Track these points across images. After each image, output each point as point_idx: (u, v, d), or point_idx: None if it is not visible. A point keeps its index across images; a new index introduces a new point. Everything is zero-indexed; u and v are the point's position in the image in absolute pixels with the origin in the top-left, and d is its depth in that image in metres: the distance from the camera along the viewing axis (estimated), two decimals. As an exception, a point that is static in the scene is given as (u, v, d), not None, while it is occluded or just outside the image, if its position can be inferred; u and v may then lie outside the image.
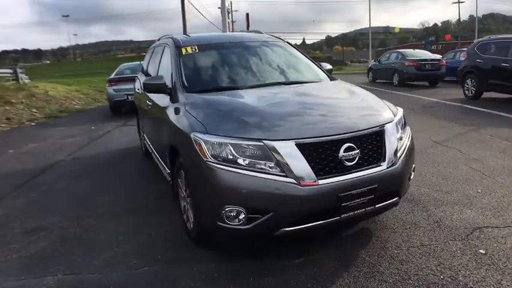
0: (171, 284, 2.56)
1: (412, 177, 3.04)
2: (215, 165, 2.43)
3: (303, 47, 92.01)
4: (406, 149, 2.87)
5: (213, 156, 2.46)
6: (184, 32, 19.93)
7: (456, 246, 2.76)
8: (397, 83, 16.58)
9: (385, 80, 18.19)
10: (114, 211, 3.90)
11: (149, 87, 3.55)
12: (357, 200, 2.49)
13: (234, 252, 2.95)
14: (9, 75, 16.36)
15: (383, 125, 2.76)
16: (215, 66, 3.84)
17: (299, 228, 2.47)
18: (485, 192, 3.77)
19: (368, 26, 40.33)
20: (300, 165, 2.38)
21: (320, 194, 2.40)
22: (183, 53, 3.79)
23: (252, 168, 2.40)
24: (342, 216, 2.49)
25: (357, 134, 2.57)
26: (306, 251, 2.82)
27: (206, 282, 2.54)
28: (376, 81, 19.15)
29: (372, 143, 2.65)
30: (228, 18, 26.42)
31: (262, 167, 2.40)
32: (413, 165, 3.07)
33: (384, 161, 2.62)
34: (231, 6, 41.25)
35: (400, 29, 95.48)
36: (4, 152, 7.21)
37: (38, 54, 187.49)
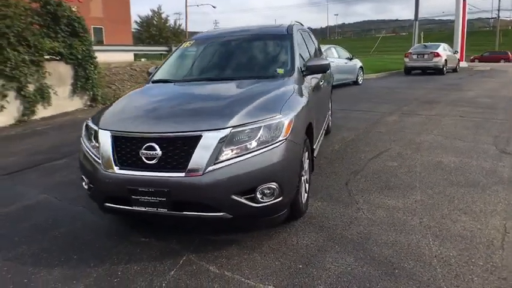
0: None
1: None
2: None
3: None
4: (237, 166, 2.36)
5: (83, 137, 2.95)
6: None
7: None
8: None
9: None
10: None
11: None
12: (146, 197, 2.46)
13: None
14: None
15: (200, 133, 2.40)
16: (200, 59, 4.05)
17: (118, 208, 2.65)
18: None
19: None
20: (107, 152, 2.58)
21: (114, 181, 2.55)
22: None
23: (88, 149, 2.77)
24: (133, 207, 2.53)
25: (162, 136, 2.48)
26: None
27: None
28: None
29: (180, 148, 2.42)
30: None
31: (92, 149, 2.74)
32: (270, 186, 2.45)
33: (185, 168, 2.38)
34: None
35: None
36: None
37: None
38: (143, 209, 2.51)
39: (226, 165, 2.36)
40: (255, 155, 2.40)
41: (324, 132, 4.70)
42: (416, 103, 8.80)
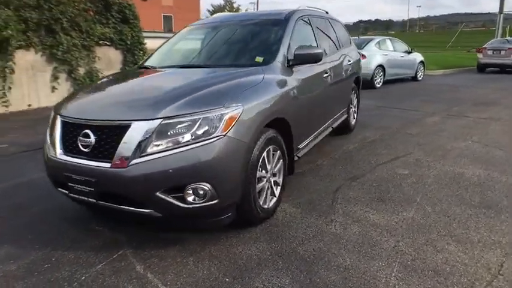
0: None
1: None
2: None
3: None
4: (164, 160, 2.12)
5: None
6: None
7: None
8: None
9: None
10: None
11: None
12: (78, 186, 2.33)
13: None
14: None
15: (128, 122, 2.19)
16: (189, 45, 3.88)
17: (64, 193, 2.54)
18: None
19: None
20: (56, 137, 2.51)
21: (55, 166, 2.48)
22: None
23: (47, 131, 2.70)
24: (70, 194, 2.44)
25: (94, 123, 2.32)
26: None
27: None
28: None
29: (110, 137, 2.23)
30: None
31: (48, 132, 2.67)
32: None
33: (111, 159, 2.18)
34: None
35: None
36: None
37: (389, 24, 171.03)
38: (77, 196, 2.40)
39: (152, 159, 2.12)
40: (186, 151, 2.13)
41: (329, 130, 4.21)
42: (470, 104, 7.65)
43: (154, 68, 3.48)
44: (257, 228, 2.65)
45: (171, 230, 2.65)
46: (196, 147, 2.14)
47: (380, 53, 10.77)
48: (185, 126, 2.17)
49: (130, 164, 2.14)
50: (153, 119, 2.16)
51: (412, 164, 3.93)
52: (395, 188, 3.31)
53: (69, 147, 2.43)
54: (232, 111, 2.26)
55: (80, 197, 2.38)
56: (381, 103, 7.84)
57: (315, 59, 3.12)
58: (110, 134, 2.24)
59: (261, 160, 2.54)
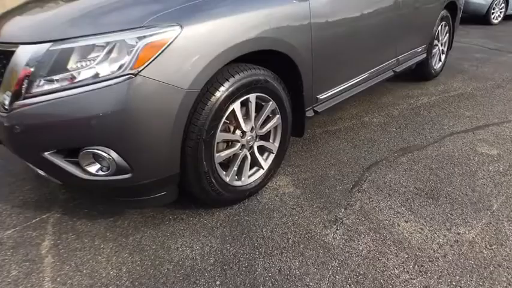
0: None
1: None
2: None
3: None
4: (51, 107, 1.32)
5: None
6: None
7: None
8: None
9: None
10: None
11: None
12: None
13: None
14: None
15: (13, 48, 1.39)
16: None
17: None
18: None
19: None
20: None
21: None
22: None
23: None
24: None
25: None
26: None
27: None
28: None
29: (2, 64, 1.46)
30: None
31: None
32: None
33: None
34: None
35: None
36: None
37: None
38: None
39: (36, 104, 1.34)
40: (78, 95, 1.30)
41: (387, 75, 2.92)
42: None
43: None
44: (221, 213, 1.82)
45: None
46: (92, 91, 1.29)
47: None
48: (81, 56, 1.31)
49: (13, 108, 1.39)
50: (37, 43, 1.34)
51: (506, 140, 2.55)
52: (464, 177, 2.10)
53: None
54: (157, 34, 1.31)
55: None
56: (492, 44, 5.80)
57: None
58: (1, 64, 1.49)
59: (225, 116, 1.60)
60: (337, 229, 1.69)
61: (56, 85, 1.33)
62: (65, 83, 1.32)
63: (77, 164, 1.42)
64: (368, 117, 2.99)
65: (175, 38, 1.33)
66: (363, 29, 2.35)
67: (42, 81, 1.34)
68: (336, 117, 3.00)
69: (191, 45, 1.37)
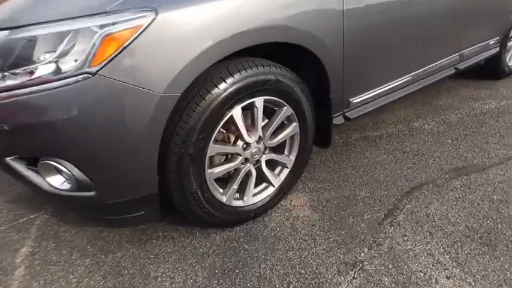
0: None
1: None
2: None
3: None
4: (10, 106, 1.06)
5: None
6: None
7: None
8: None
9: None
10: None
11: None
12: None
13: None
14: None
15: None
16: None
17: None
18: None
19: None
20: None
21: None
22: None
23: None
24: None
25: None
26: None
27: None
28: None
29: None
30: None
31: None
32: None
33: None
34: None
35: None
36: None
37: None
38: None
39: None
40: (31, 97, 1.05)
41: (448, 72, 2.38)
42: None
43: None
44: (217, 236, 1.53)
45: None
46: (41, 92, 1.03)
47: None
48: (38, 48, 1.05)
49: None
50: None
51: None
52: (538, 218, 1.60)
53: None
54: (124, 22, 1.01)
55: None
56: None
57: None
58: None
59: (220, 125, 1.28)
60: (353, 277, 1.32)
61: (13, 81, 1.09)
62: (25, 79, 1.08)
63: (39, 174, 1.20)
64: (418, 122, 2.50)
65: (147, 26, 1.02)
66: (414, 17, 1.86)
67: (5, 76, 1.11)
68: (379, 119, 2.55)
69: (169, 36, 1.05)
